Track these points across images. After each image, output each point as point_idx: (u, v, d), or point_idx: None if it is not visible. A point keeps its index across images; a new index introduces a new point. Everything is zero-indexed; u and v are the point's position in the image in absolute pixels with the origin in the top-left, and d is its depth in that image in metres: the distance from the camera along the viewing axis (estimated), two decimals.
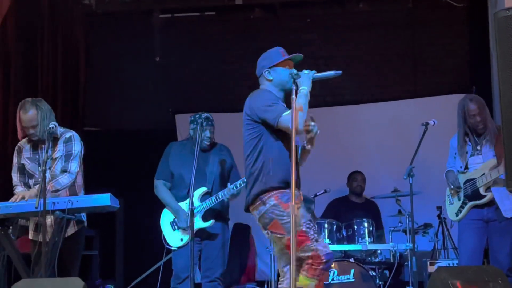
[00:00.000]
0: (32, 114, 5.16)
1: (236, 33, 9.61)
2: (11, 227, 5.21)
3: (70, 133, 5.31)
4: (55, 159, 5.18)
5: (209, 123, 5.55)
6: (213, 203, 5.44)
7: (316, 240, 4.21)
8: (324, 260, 4.19)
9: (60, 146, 5.23)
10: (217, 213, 5.53)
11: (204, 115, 5.59)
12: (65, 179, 5.15)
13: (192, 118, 5.63)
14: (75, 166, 5.23)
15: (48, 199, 4.74)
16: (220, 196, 5.43)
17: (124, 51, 9.36)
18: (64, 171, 5.20)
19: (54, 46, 8.14)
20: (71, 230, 5.13)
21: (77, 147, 5.29)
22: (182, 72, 9.49)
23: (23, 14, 7.43)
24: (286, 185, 4.22)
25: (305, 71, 4.31)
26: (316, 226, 4.36)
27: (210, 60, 9.53)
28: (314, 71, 4.31)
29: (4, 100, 6.75)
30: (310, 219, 4.25)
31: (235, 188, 5.42)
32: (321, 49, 9.46)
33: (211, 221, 5.42)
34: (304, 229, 4.19)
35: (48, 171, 5.03)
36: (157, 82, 9.43)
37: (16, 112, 5.27)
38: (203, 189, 5.47)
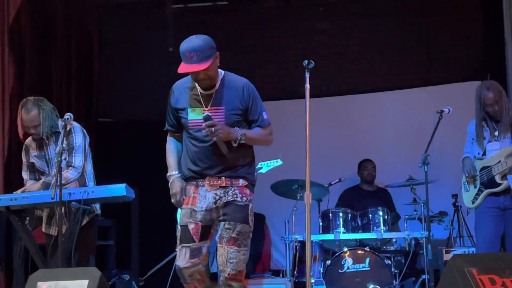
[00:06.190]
0: (34, 114, 5.15)
1: (249, 23, 9.59)
2: (27, 218, 5.25)
3: (70, 126, 5.25)
4: (58, 153, 5.14)
5: None
6: None
7: (178, 245, 4.22)
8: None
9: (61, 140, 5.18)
10: None
11: None
12: (70, 174, 5.15)
13: None
14: (79, 159, 5.22)
15: (64, 189, 4.76)
16: None
17: (137, 41, 9.37)
18: (69, 165, 5.19)
19: (67, 38, 8.15)
20: (83, 220, 5.14)
21: (79, 138, 5.25)
22: None
23: (37, 6, 7.45)
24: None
25: None
26: (185, 233, 4.18)
27: (222, 50, 9.43)
28: None
29: (18, 92, 6.77)
30: (183, 224, 4.19)
31: None
32: (334, 38, 9.44)
33: None
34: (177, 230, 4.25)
35: (64, 162, 5.05)
36: (171, 73, 9.40)
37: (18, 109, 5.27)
38: None
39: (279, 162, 5.49)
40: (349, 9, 9.45)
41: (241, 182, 4.18)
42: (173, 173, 4.31)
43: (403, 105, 8.97)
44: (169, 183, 4.30)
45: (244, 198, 4.16)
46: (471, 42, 9.05)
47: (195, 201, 4.19)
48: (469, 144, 5.57)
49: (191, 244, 4.13)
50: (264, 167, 5.44)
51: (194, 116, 4.16)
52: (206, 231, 4.17)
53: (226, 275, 4.10)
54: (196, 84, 4.21)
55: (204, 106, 4.14)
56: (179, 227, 4.20)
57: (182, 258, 4.13)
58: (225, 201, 4.14)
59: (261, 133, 4.21)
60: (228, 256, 4.09)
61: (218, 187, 4.14)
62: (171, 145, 4.44)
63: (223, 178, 4.14)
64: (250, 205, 4.19)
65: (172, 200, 4.27)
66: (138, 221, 8.75)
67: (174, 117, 4.33)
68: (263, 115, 4.23)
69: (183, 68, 4.10)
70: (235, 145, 4.06)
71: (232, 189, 4.15)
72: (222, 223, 4.14)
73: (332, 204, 7.31)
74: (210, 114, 4.03)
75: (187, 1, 9.52)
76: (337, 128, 9.08)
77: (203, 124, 4.03)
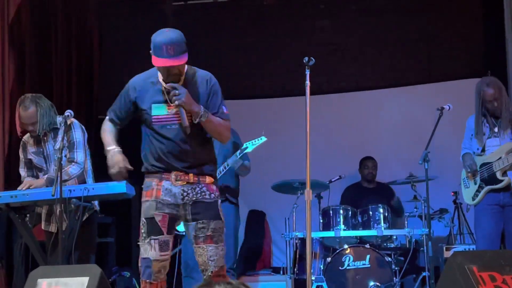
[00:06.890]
0: (31, 111, 5.15)
1: (249, 20, 9.59)
2: (28, 215, 5.25)
3: (69, 122, 5.23)
4: (58, 149, 5.10)
5: None
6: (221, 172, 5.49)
7: (144, 239, 4.10)
8: (139, 265, 4.09)
9: (61, 137, 5.09)
10: (227, 196, 5.56)
11: None
12: (73, 169, 5.16)
13: None
14: (81, 155, 5.23)
15: (64, 186, 4.76)
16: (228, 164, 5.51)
17: (137, 39, 9.34)
18: (71, 161, 5.19)
19: (67, 37, 8.15)
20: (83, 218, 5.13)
21: (78, 134, 5.25)
22: (195, 60, 9.46)
23: (37, 5, 7.44)
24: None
25: None
26: (152, 226, 4.11)
27: (223, 47, 9.52)
28: None
29: (18, 90, 6.76)
30: (149, 217, 4.13)
31: (237, 155, 5.48)
32: (334, 36, 9.42)
33: None
34: (140, 224, 4.17)
35: (64, 158, 5.04)
36: None
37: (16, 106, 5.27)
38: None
39: (263, 138, 5.48)
40: (349, 7, 9.44)
41: (208, 179, 4.12)
42: (112, 147, 4.27)
43: (404, 102, 8.97)
44: (109, 157, 4.23)
45: (212, 195, 4.10)
46: (472, 39, 9.04)
47: (159, 193, 4.12)
48: (468, 140, 5.56)
49: (160, 236, 4.05)
50: (249, 146, 5.44)
51: (158, 112, 4.10)
52: (173, 224, 4.12)
53: (209, 273, 4.04)
54: (160, 79, 4.13)
55: (170, 102, 4.05)
56: (143, 219, 4.13)
57: (153, 250, 4.04)
58: (193, 198, 4.06)
59: (220, 122, 4.10)
60: (208, 255, 4.03)
61: (186, 182, 4.07)
62: (107, 126, 4.38)
63: (191, 174, 4.08)
64: (219, 201, 4.15)
65: (113, 171, 4.20)
66: (139, 217, 8.75)
67: (126, 112, 4.32)
68: (223, 109, 4.14)
69: (160, 61, 4.01)
70: (195, 121, 3.96)
71: (200, 186, 4.08)
72: (194, 223, 4.07)
73: (333, 201, 7.30)
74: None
75: None
76: (337, 125, 9.08)
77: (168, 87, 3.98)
